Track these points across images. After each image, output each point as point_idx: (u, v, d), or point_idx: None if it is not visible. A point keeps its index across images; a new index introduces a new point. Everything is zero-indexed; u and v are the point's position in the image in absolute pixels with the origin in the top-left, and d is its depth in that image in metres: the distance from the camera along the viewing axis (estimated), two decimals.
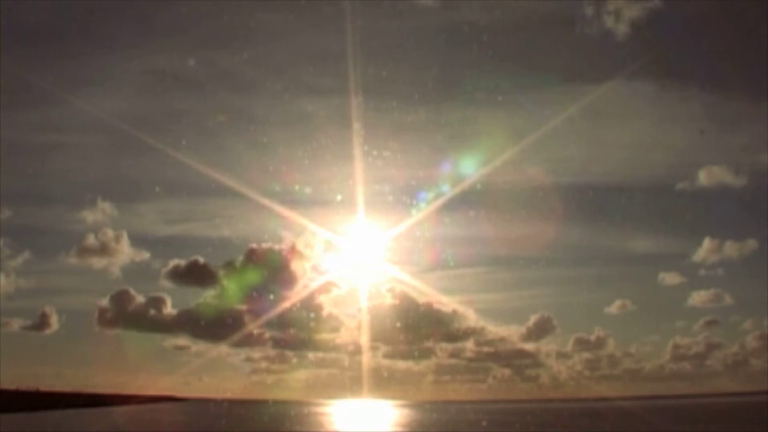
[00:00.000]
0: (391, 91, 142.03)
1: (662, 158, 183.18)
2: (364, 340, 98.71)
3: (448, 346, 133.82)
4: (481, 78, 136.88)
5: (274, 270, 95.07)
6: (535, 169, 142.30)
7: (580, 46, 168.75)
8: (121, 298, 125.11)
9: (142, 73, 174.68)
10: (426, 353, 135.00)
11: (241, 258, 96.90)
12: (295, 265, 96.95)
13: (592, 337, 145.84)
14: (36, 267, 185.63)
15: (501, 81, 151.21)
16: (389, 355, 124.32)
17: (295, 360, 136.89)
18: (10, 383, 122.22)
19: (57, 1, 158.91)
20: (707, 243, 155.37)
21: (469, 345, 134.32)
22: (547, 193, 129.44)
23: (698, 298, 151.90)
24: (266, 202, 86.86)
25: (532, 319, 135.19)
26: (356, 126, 61.19)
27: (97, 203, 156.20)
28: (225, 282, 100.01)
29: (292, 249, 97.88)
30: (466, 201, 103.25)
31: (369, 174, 63.59)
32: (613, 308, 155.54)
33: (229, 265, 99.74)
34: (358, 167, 59.10)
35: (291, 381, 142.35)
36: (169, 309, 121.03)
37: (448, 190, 70.17)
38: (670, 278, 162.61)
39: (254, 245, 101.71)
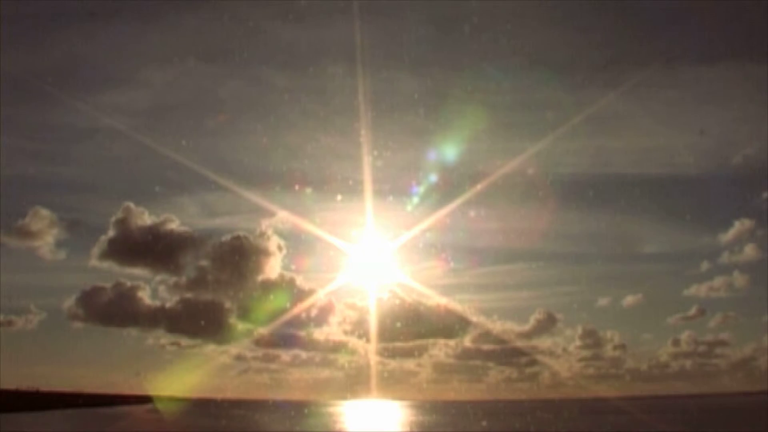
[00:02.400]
0: (399, 90, 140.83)
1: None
2: (364, 340, 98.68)
3: (449, 346, 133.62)
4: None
5: (263, 266, 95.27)
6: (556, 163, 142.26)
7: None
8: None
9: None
10: (427, 353, 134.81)
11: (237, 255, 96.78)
12: (294, 264, 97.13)
13: (597, 335, 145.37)
14: None
15: (513, 72, 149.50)
16: (390, 356, 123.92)
17: (294, 360, 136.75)
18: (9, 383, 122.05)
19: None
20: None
21: (471, 345, 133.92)
22: (553, 189, 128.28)
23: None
24: (260, 198, 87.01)
25: (537, 317, 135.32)
26: (363, 127, 61.34)
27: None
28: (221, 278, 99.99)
29: (289, 247, 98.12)
30: (472, 199, 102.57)
31: (374, 176, 63.34)
32: (622, 305, 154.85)
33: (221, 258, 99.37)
34: (365, 169, 58.99)
35: (290, 381, 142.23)
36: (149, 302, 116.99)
37: (452, 189, 70.05)
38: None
39: (247, 237, 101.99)
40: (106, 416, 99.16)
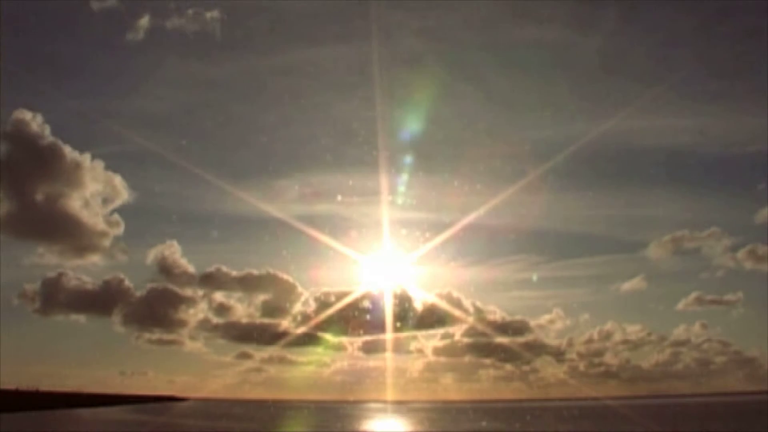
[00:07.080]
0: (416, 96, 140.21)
1: None
2: (365, 340, 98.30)
3: (450, 346, 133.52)
4: None
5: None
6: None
7: None
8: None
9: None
10: (426, 353, 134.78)
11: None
12: (294, 264, 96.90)
13: (600, 335, 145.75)
14: None
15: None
16: (390, 355, 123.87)
17: (295, 360, 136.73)
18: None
19: None
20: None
21: (473, 342, 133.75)
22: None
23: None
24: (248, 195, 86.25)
25: (545, 317, 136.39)
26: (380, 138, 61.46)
27: None
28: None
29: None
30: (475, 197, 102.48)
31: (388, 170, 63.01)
32: (625, 303, 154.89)
33: None
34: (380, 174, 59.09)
35: (291, 381, 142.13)
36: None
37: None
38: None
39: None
40: (106, 416, 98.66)
